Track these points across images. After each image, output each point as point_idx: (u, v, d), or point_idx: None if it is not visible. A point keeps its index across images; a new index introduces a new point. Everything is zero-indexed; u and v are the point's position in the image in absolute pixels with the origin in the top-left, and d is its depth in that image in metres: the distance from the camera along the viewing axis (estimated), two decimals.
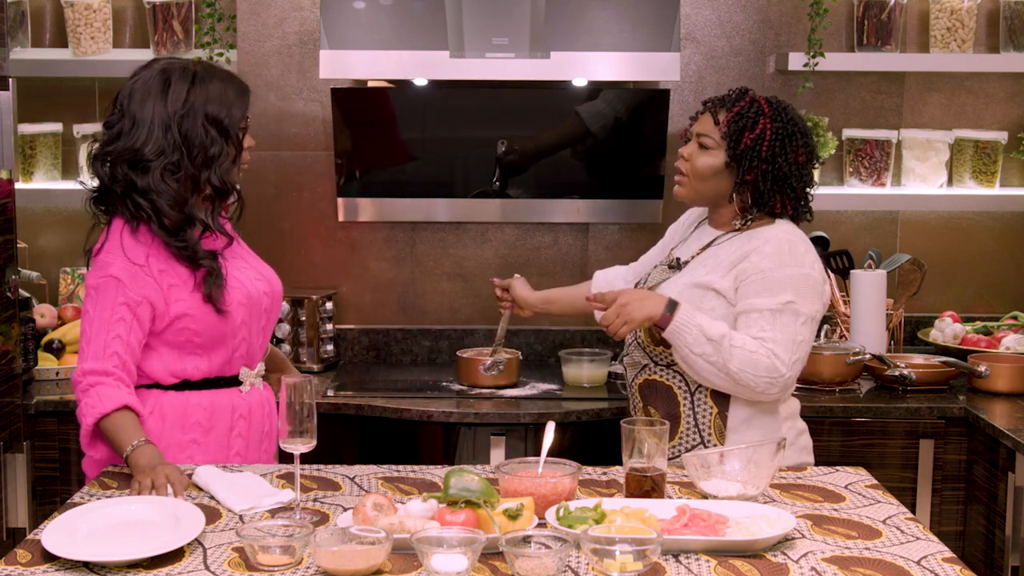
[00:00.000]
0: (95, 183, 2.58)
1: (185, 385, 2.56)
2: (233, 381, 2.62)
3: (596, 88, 3.71)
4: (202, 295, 2.50)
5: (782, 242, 2.60)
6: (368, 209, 3.84)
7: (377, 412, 3.35)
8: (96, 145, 2.57)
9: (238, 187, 2.65)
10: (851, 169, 3.99)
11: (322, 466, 2.51)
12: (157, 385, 2.55)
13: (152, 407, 2.52)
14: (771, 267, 2.58)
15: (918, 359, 3.59)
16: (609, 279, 3.07)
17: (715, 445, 2.63)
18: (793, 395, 2.74)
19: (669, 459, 2.62)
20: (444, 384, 3.57)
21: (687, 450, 2.65)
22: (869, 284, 3.65)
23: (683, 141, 2.76)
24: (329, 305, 3.78)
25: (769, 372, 2.53)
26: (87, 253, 2.56)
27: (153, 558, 1.97)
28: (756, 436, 2.59)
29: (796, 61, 3.81)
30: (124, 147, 2.50)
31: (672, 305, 2.56)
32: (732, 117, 2.64)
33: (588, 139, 3.76)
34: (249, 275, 2.63)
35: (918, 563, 1.98)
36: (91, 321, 2.46)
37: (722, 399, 2.63)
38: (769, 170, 2.62)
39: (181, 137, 2.50)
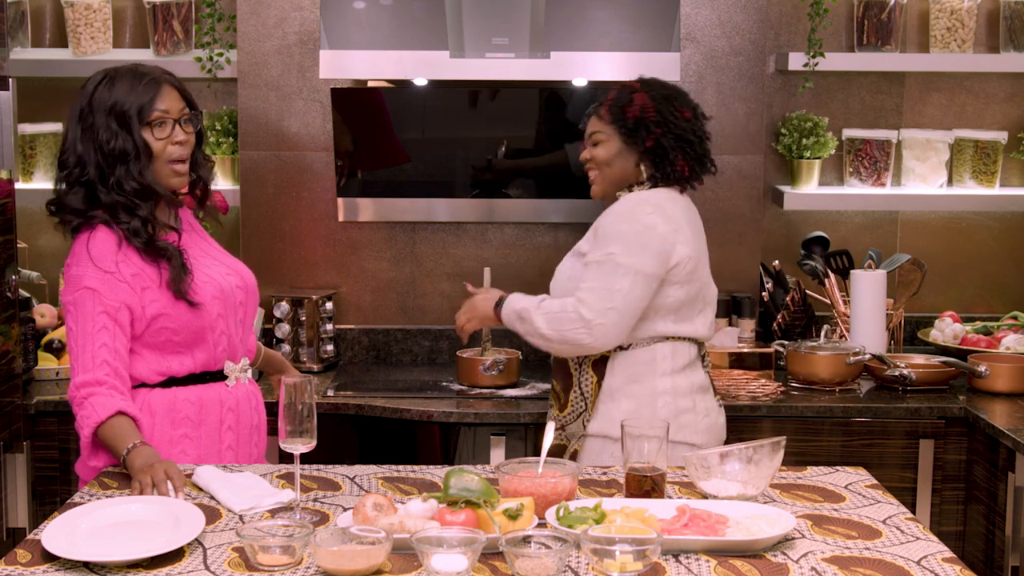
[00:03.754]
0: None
1: (171, 382, 2.58)
2: (219, 376, 2.64)
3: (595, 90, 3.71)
4: (171, 292, 2.52)
5: (631, 202, 2.78)
6: (368, 209, 3.84)
7: (377, 412, 3.35)
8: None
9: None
10: (851, 169, 3.99)
11: (322, 466, 2.51)
12: (144, 384, 2.57)
13: (140, 405, 2.53)
14: (609, 223, 2.77)
15: (918, 359, 3.59)
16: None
17: (588, 409, 2.82)
18: (685, 372, 2.82)
19: (561, 429, 2.87)
20: (444, 384, 3.57)
21: (576, 417, 2.86)
22: (869, 284, 3.65)
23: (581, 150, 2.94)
24: (329, 305, 3.78)
25: (574, 322, 2.71)
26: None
27: (153, 558, 1.97)
28: (625, 405, 2.78)
29: (796, 61, 3.81)
30: (59, 156, 2.57)
31: (501, 301, 2.88)
32: (609, 105, 2.83)
33: (566, 174, 3.77)
34: (220, 270, 2.65)
35: (918, 563, 1.98)
36: (75, 336, 2.48)
37: (600, 368, 2.81)
38: (664, 132, 2.78)
39: (92, 138, 2.51)
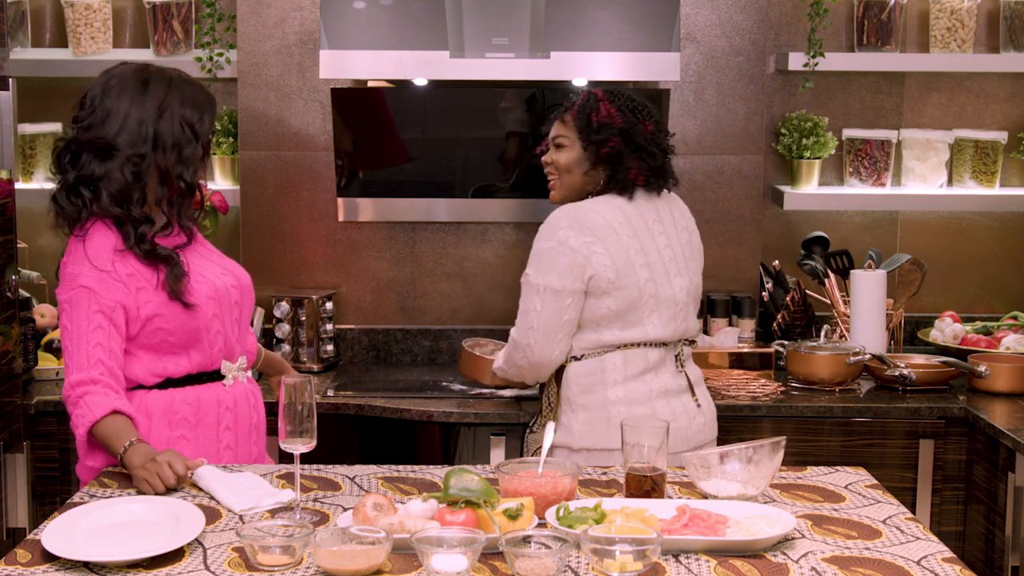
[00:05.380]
0: (55, 185, 2.60)
1: (168, 383, 2.58)
2: (216, 376, 2.64)
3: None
4: (167, 293, 2.52)
5: (551, 218, 2.80)
6: (368, 209, 3.84)
7: (377, 412, 3.35)
8: (62, 142, 2.58)
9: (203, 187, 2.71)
10: (851, 169, 3.99)
11: (322, 466, 2.51)
12: (140, 386, 2.57)
13: (137, 406, 2.53)
14: (534, 241, 2.81)
15: (918, 359, 3.59)
16: None
17: (553, 419, 2.83)
18: (643, 378, 2.80)
19: (532, 432, 2.93)
20: (444, 384, 3.57)
21: (542, 426, 2.88)
22: (869, 284, 3.65)
23: (541, 154, 2.95)
24: (329, 305, 3.78)
25: (513, 347, 2.83)
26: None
27: (153, 558, 1.97)
28: (582, 416, 2.78)
29: (796, 61, 3.81)
30: (95, 136, 2.52)
31: None
32: (576, 110, 2.84)
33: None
34: (214, 271, 2.66)
35: (918, 563, 1.98)
36: (70, 334, 2.48)
37: (558, 379, 2.83)
38: (624, 140, 2.79)
39: (155, 134, 2.53)
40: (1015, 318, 3.91)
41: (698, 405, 2.88)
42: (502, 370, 2.95)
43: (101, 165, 2.51)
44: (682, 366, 2.87)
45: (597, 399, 2.78)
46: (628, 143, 2.79)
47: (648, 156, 2.81)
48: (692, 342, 2.93)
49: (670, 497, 2.29)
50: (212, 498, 2.30)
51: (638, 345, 2.79)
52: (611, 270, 2.74)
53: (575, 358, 2.81)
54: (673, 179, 2.89)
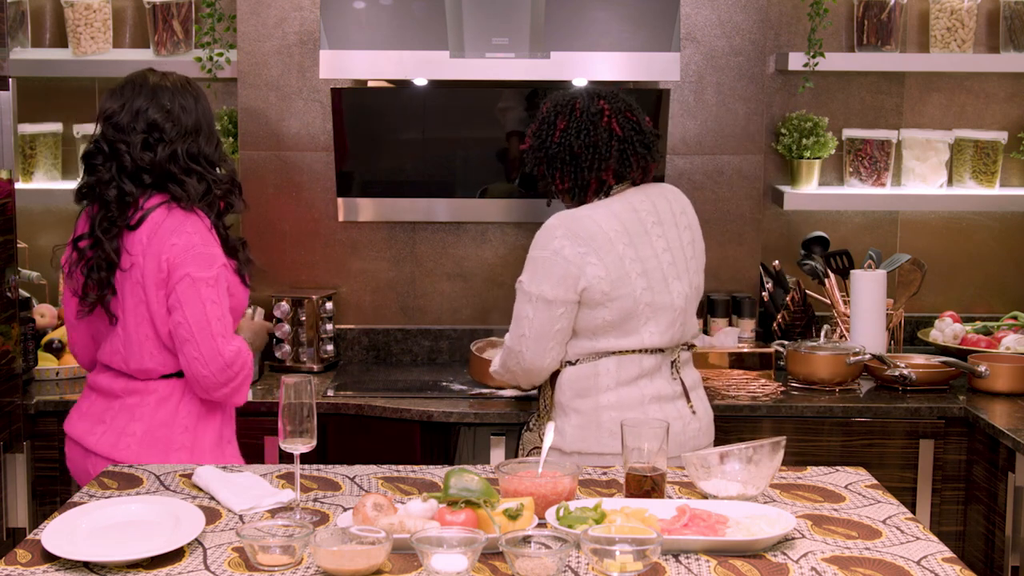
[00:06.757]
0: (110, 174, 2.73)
1: (180, 373, 2.74)
2: None
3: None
4: (238, 276, 2.75)
5: (545, 226, 2.80)
6: (368, 209, 3.84)
7: (377, 412, 3.35)
8: (142, 137, 2.69)
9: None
10: (851, 169, 3.99)
11: (322, 466, 2.51)
12: (179, 374, 2.71)
13: (183, 391, 2.72)
14: (530, 248, 2.80)
15: (918, 359, 3.59)
16: None
17: (547, 420, 2.83)
18: (637, 384, 2.79)
19: (529, 431, 2.94)
20: (444, 384, 3.57)
21: (535, 428, 2.92)
22: (869, 284, 3.65)
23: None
24: (329, 305, 3.78)
25: (507, 352, 2.84)
26: (73, 250, 2.72)
27: (153, 558, 1.97)
28: (575, 420, 2.78)
29: (796, 61, 3.81)
30: (186, 135, 2.71)
31: None
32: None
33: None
34: None
35: (918, 563, 1.98)
36: (219, 306, 2.65)
37: (552, 382, 2.85)
38: (540, 158, 2.85)
39: (212, 129, 2.80)
40: (1015, 318, 3.91)
41: (693, 412, 2.86)
42: (498, 373, 2.95)
43: (198, 156, 2.73)
44: (677, 372, 2.86)
45: (590, 404, 2.77)
46: (543, 160, 2.85)
47: (561, 163, 2.82)
48: (691, 346, 2.92)
49: (670, 497, 2.29)
50: (212, 498, 2.31)
51: (633, 352, 2.79)
52: (605, 282, 2.72)
53: (569, 363, 2.80)
54: (637, 170, 2.84)
